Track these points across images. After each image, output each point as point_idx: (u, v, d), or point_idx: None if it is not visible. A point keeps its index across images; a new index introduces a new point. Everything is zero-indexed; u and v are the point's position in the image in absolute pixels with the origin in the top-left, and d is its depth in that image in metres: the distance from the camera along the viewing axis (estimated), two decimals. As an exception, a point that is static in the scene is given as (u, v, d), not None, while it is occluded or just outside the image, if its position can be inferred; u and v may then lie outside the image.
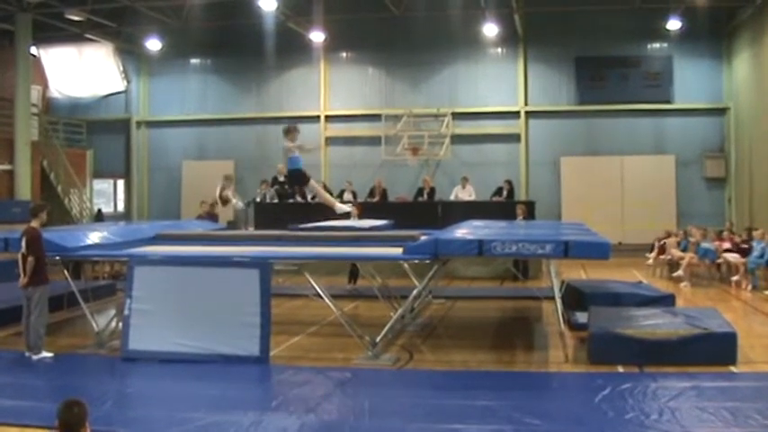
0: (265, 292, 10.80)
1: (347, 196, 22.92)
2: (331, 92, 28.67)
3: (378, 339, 11.11)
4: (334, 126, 28.59)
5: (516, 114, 27.33)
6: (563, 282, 15.29)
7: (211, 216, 19.56)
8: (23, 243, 10.92)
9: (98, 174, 30.33)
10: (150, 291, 11.11)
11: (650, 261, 21.01)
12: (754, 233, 18.83)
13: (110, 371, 10.55)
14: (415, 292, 12.19)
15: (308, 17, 25.78)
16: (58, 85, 29.86)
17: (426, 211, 21.59)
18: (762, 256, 17.59)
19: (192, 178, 28.96)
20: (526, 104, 27.29)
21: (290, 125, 14.10)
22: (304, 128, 27.55)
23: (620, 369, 10.10)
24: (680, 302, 14.77)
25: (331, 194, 23.03)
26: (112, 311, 13.78)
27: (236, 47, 28.59)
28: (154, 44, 28.07)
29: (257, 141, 28.92)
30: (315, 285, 11.41)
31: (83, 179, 28.63)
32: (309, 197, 22.88)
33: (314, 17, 25.72)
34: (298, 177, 13.74)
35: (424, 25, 26.63)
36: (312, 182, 14.08)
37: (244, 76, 29.24)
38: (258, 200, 22.90)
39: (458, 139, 27.03)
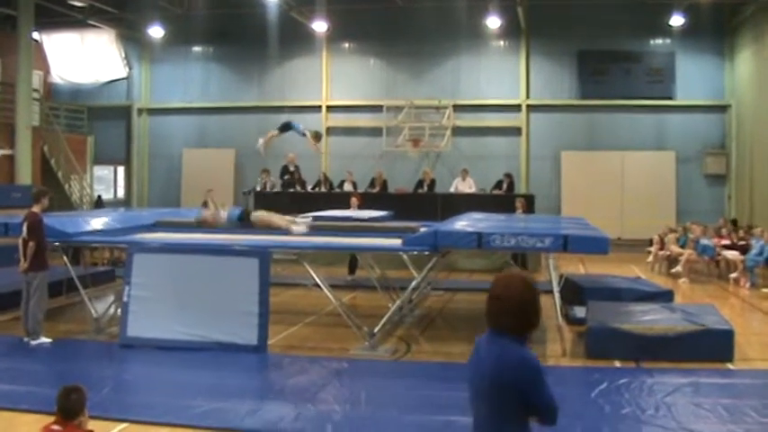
0: (264, 282, 10.83)
1: (347, 186, 22.94)
2: (333, 82, 28.63)
3: (376, 330, 11.15)
4: (336, 116, 28.55)
5: (518, 108, 27.29)
6: (562, 276, 15.30)
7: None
8: (25, 228, 10.94)
9: (98, 160, 30.31)
10: (149, 278, 11.14)
11: (650, 257, 21.01)
12: (754, 231, 18.87)
13: (108, 357, 10.59)
14: (413, 283, 12.21)
15: (311, 7, 25.72)
16: (60, 70, 29.79)
17: (426, 202, 21.59)
18: (761, 253, 17.60)
19: (193, 166, 28.98)
20: (528, 98, 27.24)
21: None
22: (305, 117, 27.91)
23: (618, 364, 10.14)
24: (678, 298, 14.78)
25: (331, 186, 23.20)
26: (111, 298, 13.80)
27: (238, 35, 28.55)
28: (156, 31, 28.03)
29: (258, 130, 28.59)
30: (314, 275, 11.44)
31: (83, 165, 28.61)
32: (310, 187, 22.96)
33: (316, 7, 25.65)
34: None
35: (427, 16, 26.55)
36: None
37: (246, 65, 29.20)
38: (259, 189, 22.90)
39: (459, 131, 26.98)
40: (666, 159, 26.28)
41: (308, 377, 9.47)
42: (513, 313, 3.68)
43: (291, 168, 22.63)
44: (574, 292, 14.16)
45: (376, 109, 27.53)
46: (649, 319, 11.08)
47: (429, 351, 11.41)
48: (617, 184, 26.32)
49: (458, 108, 27.00)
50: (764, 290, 16.94)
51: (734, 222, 22.70)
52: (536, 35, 27.11)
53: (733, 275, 18.17)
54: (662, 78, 26.45)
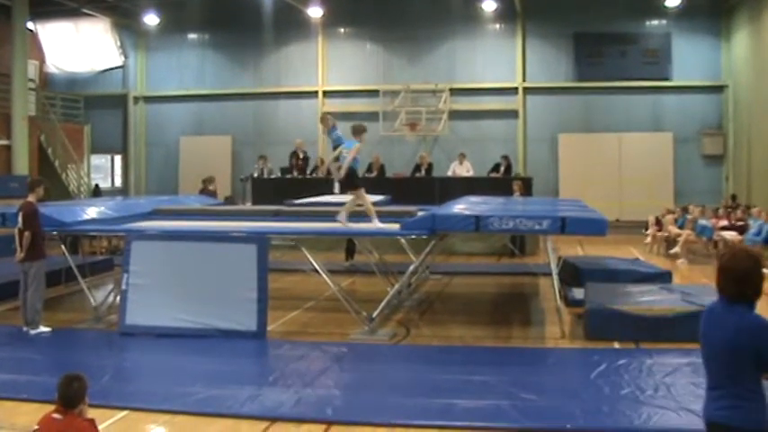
0: (263, 268, 10.82)
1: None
2: (329, 67, 28.56)
3: (375, 315, 11.15)
4: (332, 101, 28.46)
5: (514, 90, 27.24)
6: (560, 258, 15.32)
7: (211, 193, 19.58)
8: (20, 218, 10.93)
9: (95, 149, 30.20)
10: (148, 266, 11.14)
11: (648, 239, 21.01)
12: (752, 210, 18.86)
13: (107, 345, 10.59)
14: (412, 267, 12.19)
15: (306, -8, 25.68)
16: (56, 59, 29.73)
17: (424, 186, 21.56)
18: (759, 233, 17.58)
19: (190, 154, 28.95)
20: (524, 81, 27.18)
21: (361, 125, 13.28)
22: (302, 103, 27.92)
23: (617, 345, 10.15)
24: (677, 279, 14.78)
25: (329, 171, 23.11)
26: (110, 286, 13.78)
27: (234, 22, 28.45)
28: (151, 19, 27.98)
29: (255, 117, 28.91)
30: (312, 261, 11.43)
31: (80, 154, 28.53)
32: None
33: (311, -8, 25.63)
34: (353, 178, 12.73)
35: (423, 0, 26.50)
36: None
37: (242, 52, 29.11)
38: (256, 175, 22.87)
39: (455, 114, 26.93)
40: (664, 140, 26.24)
41: (307, 362, 9.48)
42: (741, 283, 4.20)
43: (301, 155, 22.57)
44: (572, 274, 14.16)
45: (372, 94, 27.45)
46: (648, 300, 11.10)
47: (428, 335, 11.42)
48: (614, 165, 26.30)
49: (454, 92, 26.94)
50: (764, 270, 16.91)
51: (733, 198, 22.77)
52: (531, 18, 27.03)
53: (731, 255, 18.15)
54: (658, 60, 26.39)
